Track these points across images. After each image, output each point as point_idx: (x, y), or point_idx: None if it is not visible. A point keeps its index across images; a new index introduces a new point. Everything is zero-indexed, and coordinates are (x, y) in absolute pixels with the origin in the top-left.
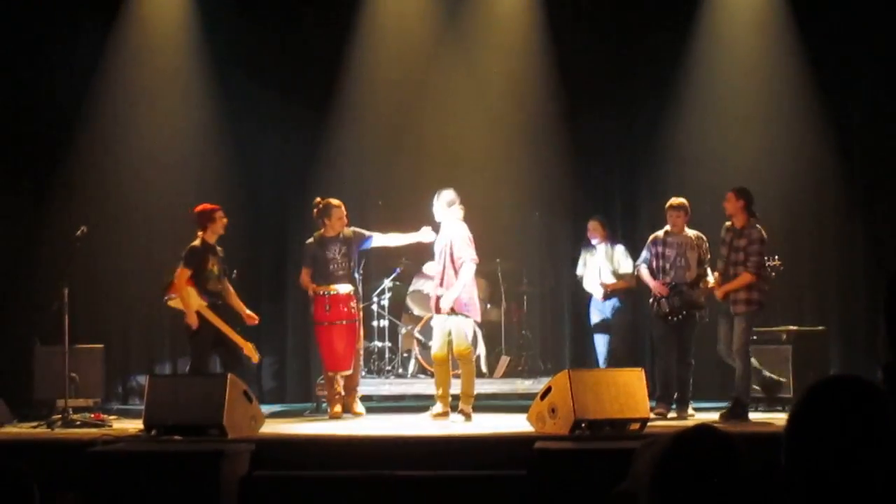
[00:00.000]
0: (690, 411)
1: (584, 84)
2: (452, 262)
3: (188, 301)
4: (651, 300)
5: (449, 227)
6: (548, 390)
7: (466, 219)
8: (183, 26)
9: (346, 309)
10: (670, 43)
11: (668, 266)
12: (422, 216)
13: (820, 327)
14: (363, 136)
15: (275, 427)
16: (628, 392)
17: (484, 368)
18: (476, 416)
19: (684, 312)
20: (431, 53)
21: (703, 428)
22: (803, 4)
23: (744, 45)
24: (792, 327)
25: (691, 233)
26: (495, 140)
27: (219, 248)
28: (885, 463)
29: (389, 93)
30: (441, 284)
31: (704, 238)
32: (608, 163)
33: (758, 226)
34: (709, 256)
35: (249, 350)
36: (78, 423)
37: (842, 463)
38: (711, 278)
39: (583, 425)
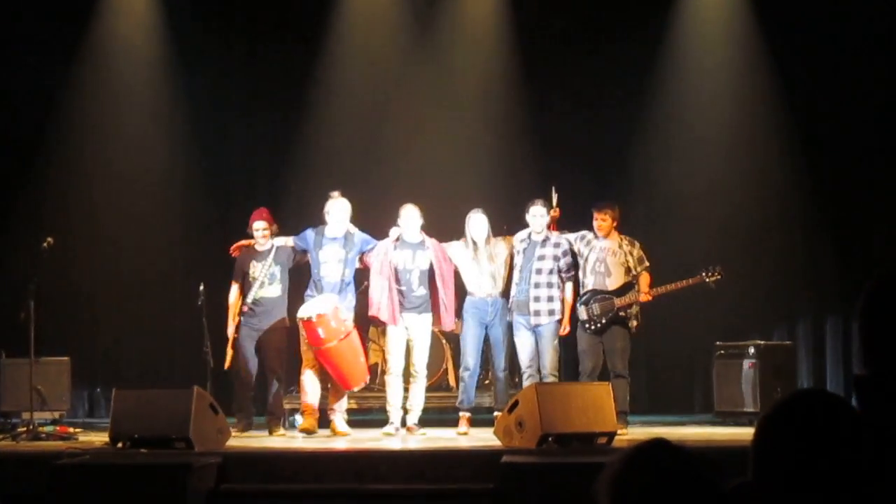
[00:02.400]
0: (624, 430)
1: (553, 87)
2: (443, 276)
3: None
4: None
5: (429, 241)
6: (515, 404)
7: (438, 226)
8: (149, 36)
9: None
10: (640, 48)
11: (588, 269)
12: (391, 221)
13: (787, 342)
14: (331, 142)
15: (242, 440)
16: (596, 406)
17: (452, 382)
18: (443, 431)
19: (604, 321)
20: (400, 57)
21: (657, 442)
22: (772, 17)
23: (712, 51)
24: (759, 342)
25: (618, 238)
26: (463, 145)
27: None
28: (851, 478)
29: (357, 98)
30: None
31: (636, 244)
32: (576, 167)
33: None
34: (646, 264)
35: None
36: (44, 435)
37: (809, 478)
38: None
39: (550, 439)
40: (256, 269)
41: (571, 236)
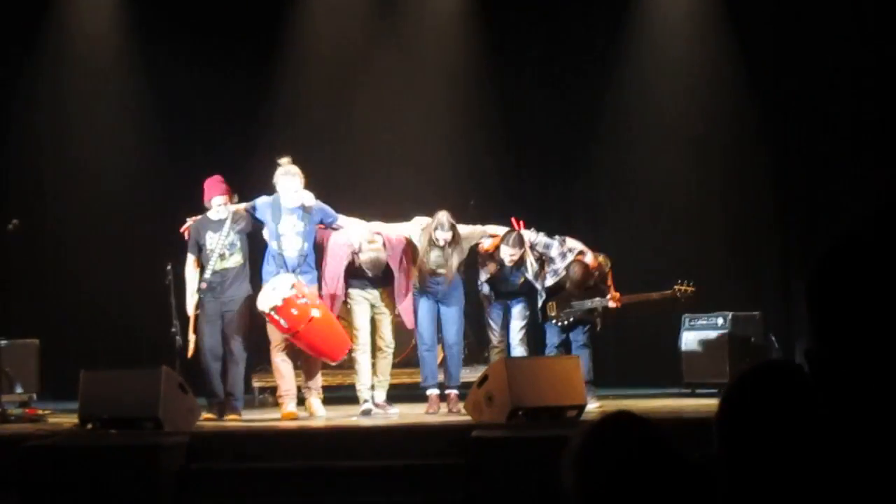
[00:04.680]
0: (595, 404)
1: (521, 74)
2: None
3: None
4: (540, 304)
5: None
6: (484, 378)
7: (404, 211)
8: (113, 20)
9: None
10: (607, 41)
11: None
12: (356, 208)
13: (755, 312)
14: (298, 130)
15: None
16: (565, 379)
17: None
18: (412, 406)
19: (571, 319)
20: (366, 47)
21: (622, 413)
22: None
23: (679, 45)
24: (727, 313)
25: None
26: (430, 130)
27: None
28: (810, 448)
29: (323, 86)
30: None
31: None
32: (545, 153)
33: None
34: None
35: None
36: (12, 418)
37: (771, 448)
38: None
39: (520, 413)
40: (213, 241)
41: (542, 240)
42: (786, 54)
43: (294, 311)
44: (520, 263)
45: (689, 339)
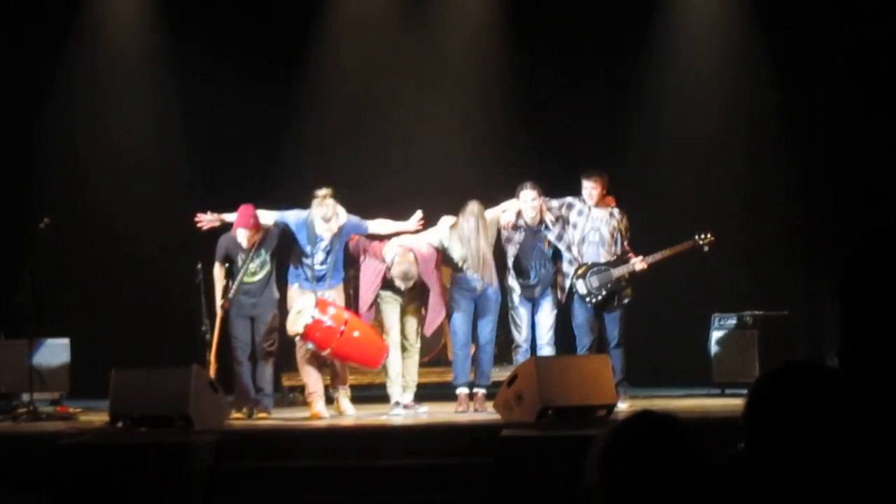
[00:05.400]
0: (626, 403)
1: (548, 67)
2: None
3: None
4: (569, 282)
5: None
6: (514, 377)
7: (433, 216)
8: (145, 21)
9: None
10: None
11: (581, 239)
12: (387, 205)
13: (784, 312)
14: (324, 126)
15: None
16: (594, 378)
17: (450, 357)
18: (442, 405)
19: (603, 293)
20: (391, 44)
21: (645, 414)
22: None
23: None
24: (757, 312)
25: (609, 206)
26: (457, 125)
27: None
28: (840, 449)
29: (351, 81)
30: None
31: (624, 213)
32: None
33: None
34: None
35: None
36: (44, 416)
37: (800, 448)
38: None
39: (549, 412)
40: (242, 260)
41: (555, 203)
42: (815, 48)
43: (319, 334)
44: (540, 221)
45: (719, 339)
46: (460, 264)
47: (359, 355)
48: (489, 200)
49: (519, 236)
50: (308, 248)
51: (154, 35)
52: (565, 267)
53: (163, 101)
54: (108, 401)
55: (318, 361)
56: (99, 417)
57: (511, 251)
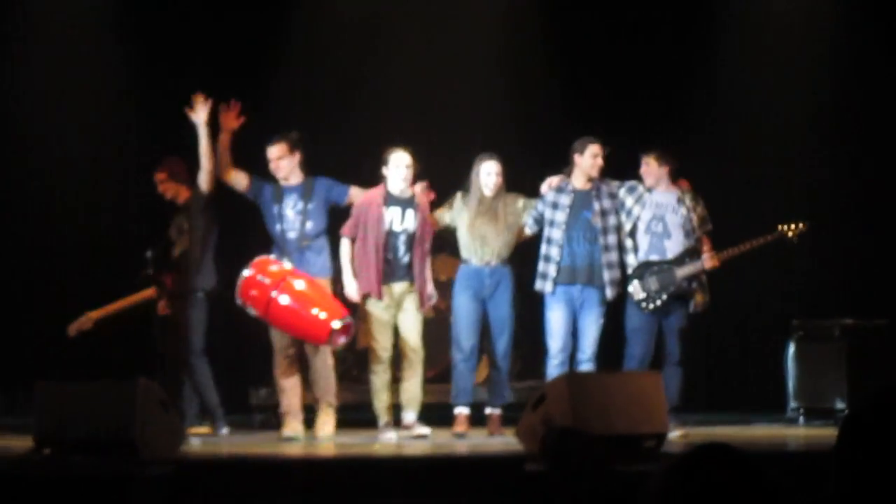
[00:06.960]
0: (677, 432)
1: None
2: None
3: None
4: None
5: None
6: (541, 398)
7: (438, 178)
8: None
9: None
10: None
11: (640, 230)
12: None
13: (882, 320)
14: (310, 72)
15: (201, 446)
16: (642, 401)
17: None
18: (450, 431)
19: (664, 297)
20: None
21: (714, 447)
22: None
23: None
24: (847, 320)
25: (678, 190)
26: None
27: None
28: None
29: (343, 23)
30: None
31: (700, 200)
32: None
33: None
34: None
35: None
36: None
37: None
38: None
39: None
40: None
41: (616, 185)
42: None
43: (254, 293)
44: (597, 190)
45: (798, 354)
46: (463, 253)
47: (297, 321)
48: (511, 160)
49: (566, 199)
50: (275, 211)
51: (111, 38)
52: (626, 259)
53: (119, 107)
54: (32, 421)
55: (295, 373)
56: (19, 442)
57: (550, 221)
